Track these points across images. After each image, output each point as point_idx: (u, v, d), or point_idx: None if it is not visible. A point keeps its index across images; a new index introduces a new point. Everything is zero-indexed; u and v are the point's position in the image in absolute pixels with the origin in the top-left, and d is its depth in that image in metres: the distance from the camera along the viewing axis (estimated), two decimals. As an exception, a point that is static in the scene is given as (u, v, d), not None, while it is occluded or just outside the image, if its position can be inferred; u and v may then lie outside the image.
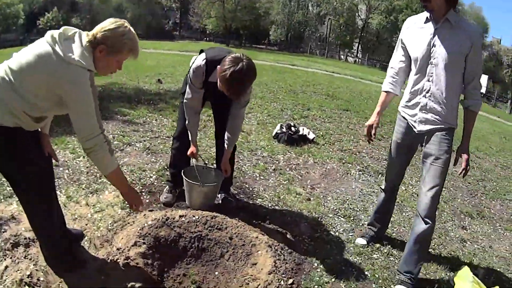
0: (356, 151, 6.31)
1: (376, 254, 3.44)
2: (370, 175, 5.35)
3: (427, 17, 2.86)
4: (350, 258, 3.33)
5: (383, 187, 3.46)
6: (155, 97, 8.47)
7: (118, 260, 2.70)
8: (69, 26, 2.28)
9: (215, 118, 3.76)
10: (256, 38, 55.80)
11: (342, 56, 46.81)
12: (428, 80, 2.85)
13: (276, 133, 6.33)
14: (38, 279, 2.67)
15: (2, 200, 3.44)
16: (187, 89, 3.31)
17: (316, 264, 3.14)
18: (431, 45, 2.79)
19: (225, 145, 3.44)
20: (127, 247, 2.80)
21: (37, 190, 2.40)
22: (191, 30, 61.20)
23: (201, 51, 3.26)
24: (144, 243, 2.86)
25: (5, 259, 2.85)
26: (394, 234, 3.86)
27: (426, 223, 2.90)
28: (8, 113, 2.15)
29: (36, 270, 2.74)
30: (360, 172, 5.41)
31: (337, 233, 3.69)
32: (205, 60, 3.11)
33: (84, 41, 2.21)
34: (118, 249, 2.81)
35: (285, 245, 3.24)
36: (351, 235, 3.68)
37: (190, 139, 3.51)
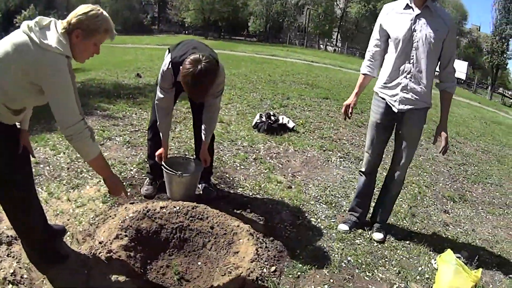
0: (336, 139, 6.37)
1: (359, 239, 3.50)
2: (351, 162, 5.42)
3: (407, 4, 3.04)
4: (333, 244, 3.36)
5: (363, 169, 3.56)
6: (135, 91, 8.41)
7: (101, 254, 2.70)
8: (44, 17, 2.25)
9: (192, 110, 3.74)
10: (235, 29, 55.59)
11: (321, 46, 46.95)
12: (409, 62, 3.06)
13: (256, 122, 6.35)
14: (21, 277, 2.66)
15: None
16: (158, 91, 3.27)
17: (298, 251, 3.17)
18: (412, 29, 2.99)
19: (203, 136, 3.44)
20: (109, 240, 2.80)
21: (17, 187, 2.38)
22: (169, 23, 60.68)
23: (168, 50, 3.22)
24: (126, 235, 2.86)
25: None
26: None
27: (398, 186, 3.52)
28: None
29: (20, 267, 2.72)
30: (341, 159, 5.47)
31: (319, 220, 3.73)
32: (170, 63, 3.08)
33: (59, 29, 2.18)
34: (100, 242, 2.80)
35: (267, 233, 3.28)
36: (333, 222, 3.72)
37: (161, 139, 3.49)
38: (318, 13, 48.42)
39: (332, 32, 50.56)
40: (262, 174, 4.60)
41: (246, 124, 6.58)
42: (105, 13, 2.28)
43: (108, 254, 2.68)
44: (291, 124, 6.43)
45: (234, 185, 4.22)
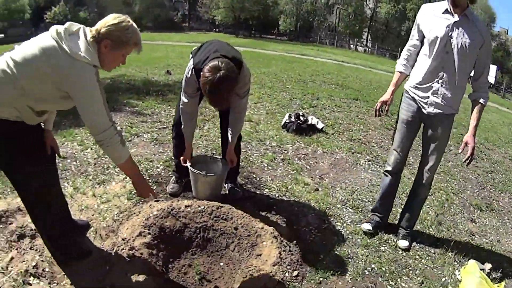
0: (365, 141, 6.24)
1: (384, 246, 3.40)
2: (379, 165, 5.29)
3: (446, 9, 2.98)
4: (357, 250, 3.28)
5: (389, 169, 3.51)
6: (164, 88, 8.44)
7: (123, 251, 2.69)
8: (74, 22, 2.25)
9: (219, 110, 3.70)
10: (266, 28, 55.52)
11: (352, 46, 46.44)
12: (443, 68, 3.02)
13: (285, 122, 6.27)
14: (43, 270, 2.68)
15: (9, 193, 3.44)
16: (182, 96, 3.24)
17: (322, 256, 3.10)
18: (449, 36, 2.94)
19: (229, 137, 3.39)
20: (132, 237, 2.79)
21: (35, 189, 2.39)
22: (200, 21, 61.08)
23: (191, 54, 3.15)
24: (149, 233, 2.85)
25: (10, 250, 2.86)
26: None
27: (426, 191, 3.44)
28: (8, 106, 2.14)
29: (42, 261, 2.75)
30: (370, 162, 5.34)
31: (345, 224, 3.65)
32: (193, 69, 3.02)
33: (88, 37, 2.18)
34: (123, 239, 2.80)
35: (291, 236, 3.22)
36: (358, 227, 3.63)
37: (185, 142, 3.46)
38: (348, 13, 47.90)
39: (362, 32, 49.87)
40: (289, 176, 4.53)
41: (275, 123, 6.51)
42: (134, 25, 2.29)
43: (130, 252, 2.67)
44: (320, 125, 6.33)
45: (261, 185, 4.16)
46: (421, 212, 3.73)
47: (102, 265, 2.67)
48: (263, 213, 3.51)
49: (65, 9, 52.95)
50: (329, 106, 8.31)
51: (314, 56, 24.13)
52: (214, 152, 4.74)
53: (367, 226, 3.56)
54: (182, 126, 3.35)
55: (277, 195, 3.98)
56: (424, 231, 3.80)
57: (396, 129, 3.43)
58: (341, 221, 3.69)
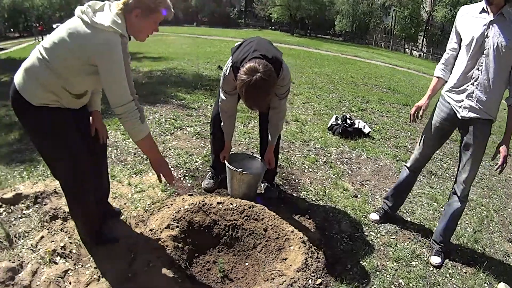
0: (411, 149, 5.98)
1: (415, 261, 3.22)
2: (423, 176, 5.04)
3: (483, 8, 2.86)
4: (387, 263, 3.13)
5: (408, 165, 3.50)
6: (213, 83, 8.49)
7: (150, 241, 2.72)
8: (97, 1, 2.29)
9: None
10: (321, 28, 55.06)
11: (407, 50, 45.16)
12: (478, 69, 2.88)
13: (331, 124, 6.15)
14: (70, 251, 2.76)
15: (49, 175, 3.55)
16: (221, 93, 3.20)
17: (350, 266, 2.98)
18: (485, 35, 2.80)
19: (269, 137, 3.33)
20: (160, 229, 2.81)
21: (69, 174, 2.44)
22: (256, 18, 61.41)
23: (232, 52, 3.11)
24: (177, 226, 2.86)
25: (42, 230, 2.98)
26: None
27: (461, 203, 3.18)
28: (46, 91, 2.21)
29: (70, 243, 2.83)
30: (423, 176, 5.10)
31: (378, 235, 3.49)
32: (231, 67, 2.98)
33: (114, 9, 2.23)
34: (151, 230, 2.83)
35: (321, 243, 3.11)
36: (393, 238, 3.47)
37: (224, 139, 3.43)
38: (404, 15, 46.51)
39: (418, 36, 48.32)
40: (329, 179, 4.41)
41: (321, 125, 6.40)
42: None
43: (157, 243, 2.69)
44: (367, 129, 6.16)
45: (299, 188, 4.07)
46: (459, 228, 3.57)
47: (127, 253, 2.70)
48: (296, 217, 3.42)
49: (122, -1, 54.64)
50: (378, 110, 8.09)
51: (368, 59, 23.69)
52: (256, 150, 4.70)
53: (374, 217, 3.64)
54: (222, 123, 3.33)
55: (313, 199, 3.88)
56: (459, 248, 3.56)
57: (423, 130, 3.36)
58: (376, 231, 3.54)
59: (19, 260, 2.72)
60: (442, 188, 4.67)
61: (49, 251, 2.73)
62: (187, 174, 3.94)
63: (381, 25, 51.11)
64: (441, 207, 4.14)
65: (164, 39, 25.01)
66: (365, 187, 4.39)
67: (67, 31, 2.13)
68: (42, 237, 2.90)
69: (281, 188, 3.97)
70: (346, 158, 5.15)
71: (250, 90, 2.55)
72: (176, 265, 2.62)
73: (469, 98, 2.94)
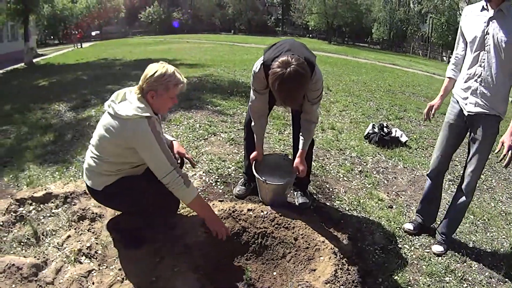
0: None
1: (449, 277, 3.04)
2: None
3: (483, 6, 2.93)
4: (420, 278, 2.98)
5: (429, 173, 3.49)
6: (249, 90, 8.46)
7: (176, 246, 2.72)
8: (118, 91, 2.65)
9: (292, 115, 3.55)
10: (359, 35, 54.63)
11: (444, 58, 44.04)
12: (480, 66, 2.94)
13: (368, 133, 6.03)
14: (96, 252, 2.81)
15: (80, 177, 3.61)
16: (251, 93, 3.15)
17: (381, 279, 2.85)
18: (485, 32, 2.86)
19: (300, 144, 3.23)
20: (188, 234, 2.81)
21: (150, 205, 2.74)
22: (293, 26, 61.50)
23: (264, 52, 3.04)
24: (205, 232, 2.83)
25: (69, 229, 3.06)
26: (473, 255, 3.38)
27: (466, 196, 3.19)
28: (107, 177, 2.61)
29: (96, 243, 2.88)
30: (450, 182, 4.89)
31: (412, 248, 3.35)
32: (262, 65, 2.90)
33: (134, 95, 2.55)
34: (178, 234, 2.82)
35: (353, 254, 3.00)
36: (427, 252, 3.31)
37: (255, 143, 3.38)
38: (441, 23, 45.41)
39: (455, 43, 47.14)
40: (364, 189, 4.29)
41: (358, 133, 6.28)
42: (169, 69, 2.55)
43: (183, 248, 2.70)
44: (404, 138, 5.99)
45: (332, 197, 3.97)
46: (495, 242, 3.47)
47: (153, 256, 2.70)
48: (329, 226, 3.31)
49: (159, 9, 55.87)
50: (415, 119, 7.87)
51: (406, 67, 23.35)
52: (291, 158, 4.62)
53: (408, 226, 3.56)
54: (252, 124, 3.28)
55: (347, 209, 3.77)
56: (494, 264, 3.31)
57: (440, 132, 3.40)
58: (410, 243, 3.40)
59: (44, 258, 2.80)
60: (479, 200, 4.47)
61: (74, 250, 2.80)
62: (218, 180, 3.91)
63: (418, 32, 50.10)
64: (478, 220, 3.96)
65: (201, 47, 25.35)
66: (401, 197, 4.25)
67: (103, 127, 2.51)
68: (69, 236, 2.98)
69: (315, 196, 3.88)
70: (382, 168, 5.01)
71: (284, 82, 2.48)
72: (202, 271, 2.60)
73: (474, 94, 2.99)
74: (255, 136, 3.33)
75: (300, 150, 3.23)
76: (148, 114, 2.47)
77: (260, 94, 3.07)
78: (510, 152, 2.79)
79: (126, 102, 2.53)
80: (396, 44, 50.40)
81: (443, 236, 3.37)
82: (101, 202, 2.80)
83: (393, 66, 22.65)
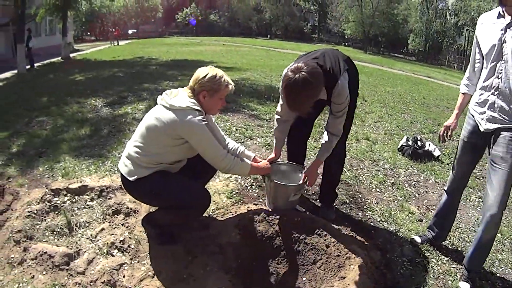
0: (480, 176, 5.67)
1: None
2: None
3: (499, 12, 2.70)
4: (445, 292, 2.98)
5: (446, 188, 3.35)
6: (285, 96, 8.51)
7: (209, 246, 2.79)
8: (169, 90, 2.78)
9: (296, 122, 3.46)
10: (395, 46, 53.92)
11: (480, 71, 43.08)
12: (497, 77, 2.69)
13: (402, 145, 5.99)
14: (129, 246, 2.88)
15: (116, 172, 3.72)
16: (280, 99, 3.18)
17: (406, 291, 2.87)
18: (502, 40, 2.63)
19: (319, 151, 3.19)
20: (221, 235, 2.87)
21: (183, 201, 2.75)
22: (329, 33, 61.16)
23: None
24: (239, 234, 2.90)
25: (103, 222, 3.15)
26: (498, 274, 3.34)
27: (492, 227, 2.81)
28: (149, 170, 2.67)
29: (130, 238, 2.95)
30: (480, 199, 4.80)
31: (439, 262, 3.32)
32: (288, 68, 2.88)
33: (186, 94, 2.69)
34: (212, 235, 2.89)
35: (381, 264, 3.03)
36: (453, 267, 3.27)
37: (274, 145, 3.41)
38: (477, 35, 44.45)
39: (491, 57, 45.88)
40: (395, 201, 4.30)
41: (391, 145, 6.26)
42: (219, 72, 2.71)
43: (216, 248, 2.76)
44: (437, 153, 5.94)
45: (365, 207, 4.00)
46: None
47: (185, 255, 2.77)
48: (360, 236, 3.34)
49: (196, 10, 56.38)
50: (449, 133, 7.77)
51: (441, 80, 23.00)
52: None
53: (417, 239, 3.49)
54: (274, 127, 3.33)
55: (378, 220, 3.79)
56: None
57: (456, 149, 3.20)
58: (437, 257, 3.37)
59: (76, 248, 2.88)
60: (507, 219, 4.39)
61: (107, 243, 2.88)
62: (254, 184, 3.98)
63: (454, 45, 49.06)
64: (505, 239, 3.91)
65: (237, 50, 25.48)
66: (431, 212, 4.22)
67: (154, 118, 2.62)
68: (103, 229, 3.07)
69: (347, 205, 3.91)
70: (414, 181, 4.99)
71: (290, 88, 2.53)
72: (233, 272, 2.66)
73: (491, 109, 2.75)
74: (275, 139, 3.38)
75: (315, 159, 3.23)
76: (200, 109, 2.63)
77: None
78: None
79: (180, 97, 2.66)
80: (431, 56, 49.49)
81: (469, 272, 3.05)
82: (131, 192, 2.83)
83: (428, 78, 22.34)
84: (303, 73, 2.50)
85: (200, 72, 2.68)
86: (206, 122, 2.62)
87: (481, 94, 2.83)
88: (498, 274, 3.33)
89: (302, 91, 2.53)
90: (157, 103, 2.72)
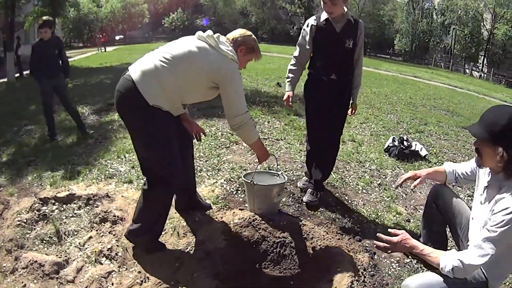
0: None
1: None
2: (481, 203, 4.82)
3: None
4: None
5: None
6: (271, 100, 8.56)
7: (196, 252, 2.79)
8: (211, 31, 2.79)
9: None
10: (381, 47, 54.26)
11: (467, 70, 43.36)
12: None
13: (388, 146, 6.02)
14: (116, 254, 2.90)
15: (103, 179, 3.72)
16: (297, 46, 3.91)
17: (395, 293, 2.86)
18: None
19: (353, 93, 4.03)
20: (208, 241, 2.86)
21: (162, 160, 2.70)
22: (316, 36, 61.22)
23: None
24: (225, 239, 2.89)
25: (91, 230, 3.17)
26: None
27: None
28: (166, 99, 2.61)
29: (117, 245, 2.96)
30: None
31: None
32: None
33: (228, 44, 2.74)
34: (199, 241, 2.88)
35: (369, 266, 3.02)
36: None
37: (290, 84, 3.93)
38: (464, 34, 44.70)
39: (479, 56, 46.18)
40: (382, 202, 4.31)
41: (378, 146, 6.28)
42: None
43: (203, 254, 2.75)
44: (423, 152, 5.97)
45: (351, 209, 4.00)
46: None
47: (173, 261, 2.77)
48: (347, 238, 3.35)
49: (183, 15, 56.40)
50: (436, 133, 7.83)
51: (428, 79, 23.12)
52: (293, 173, 4.66)
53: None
54: (293, 68, 3.95)
55: (365, 221, 3.79)
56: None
57: None
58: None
59: (65, 256, 2.91)
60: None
61: (95, 251, 2.89)
62: (239, 189, 3.97)
63: (440, 44, 49.46)
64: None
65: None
66: (419, 211, 4.24)
67: (198, 48, 2.63)
68: (90, 237, 3.08)
69: (334, 208, 3.90)
70: (401, 181, 5.02)
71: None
72: (220, 278, 2.65)
73: None
74: (290, 79, 3.95)
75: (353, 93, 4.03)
76: (237, 63, 2.74)
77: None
78: None
79: (225, 45, 2.72)
80: (418, 56, 49.82)
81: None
82: (128, 111, 2.68)
83: (415, 78, 22.46)
84: None
85: (244, 30, 2.89)
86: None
87: None
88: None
89: None
90: (195, 37, 2.74)
